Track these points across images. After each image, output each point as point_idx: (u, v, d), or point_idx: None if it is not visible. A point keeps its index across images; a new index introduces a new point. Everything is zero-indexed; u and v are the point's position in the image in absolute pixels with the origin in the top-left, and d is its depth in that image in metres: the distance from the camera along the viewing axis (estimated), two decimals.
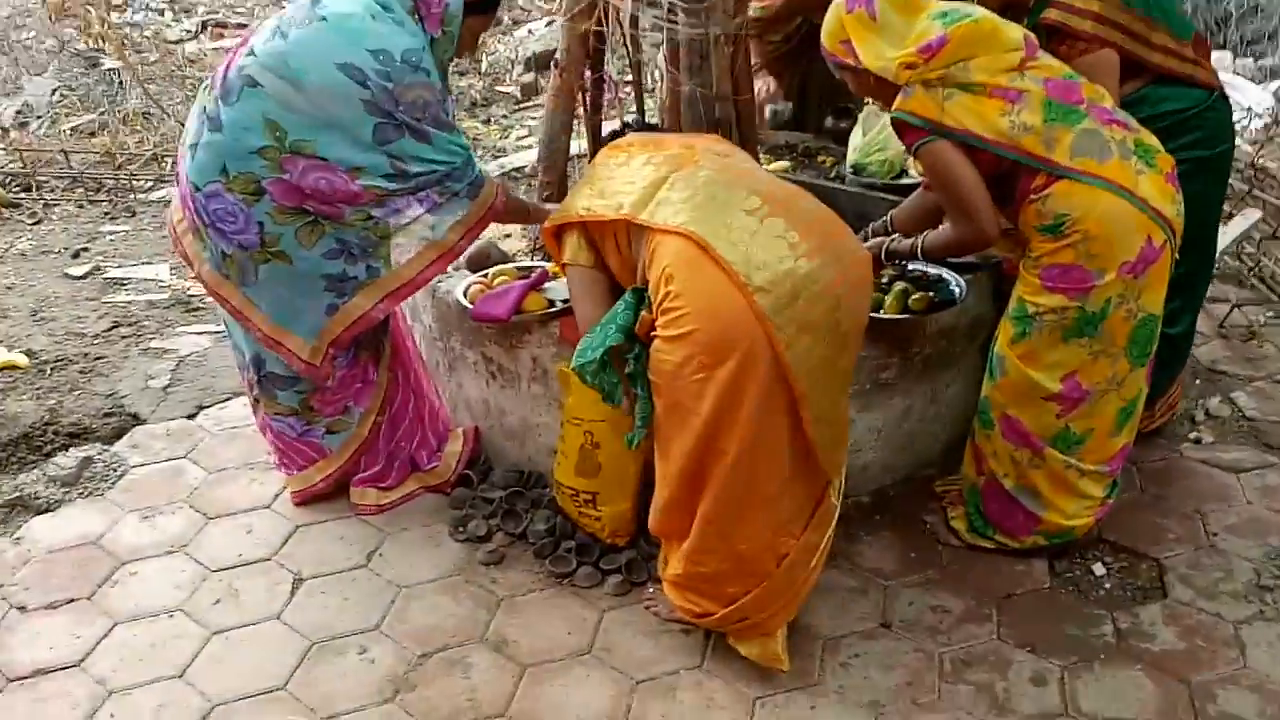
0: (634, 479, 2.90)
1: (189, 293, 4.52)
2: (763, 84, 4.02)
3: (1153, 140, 2.73)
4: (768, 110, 4.05)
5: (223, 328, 4.12)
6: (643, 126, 2.88)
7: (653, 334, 2.43)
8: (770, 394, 2.37)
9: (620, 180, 2.59)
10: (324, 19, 2.69)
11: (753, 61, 4.12)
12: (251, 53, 2.71)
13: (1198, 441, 3.42)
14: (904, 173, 3.76)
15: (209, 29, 7.90)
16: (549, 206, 2.99)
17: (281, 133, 2.67)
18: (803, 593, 2.63)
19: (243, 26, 7.96)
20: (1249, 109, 5.89)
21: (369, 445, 3.19)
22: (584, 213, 2.59)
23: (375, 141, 2.68)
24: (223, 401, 3.79)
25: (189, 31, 7.91)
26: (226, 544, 3.10)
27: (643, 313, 2.46)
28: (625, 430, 2.69)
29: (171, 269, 4.76)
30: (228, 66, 2.76)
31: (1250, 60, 7.24)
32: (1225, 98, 3.09)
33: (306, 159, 2.68)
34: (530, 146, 5.94)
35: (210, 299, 3.13)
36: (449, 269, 3.12)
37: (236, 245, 2.80)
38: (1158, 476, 3.27)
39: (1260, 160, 5.30)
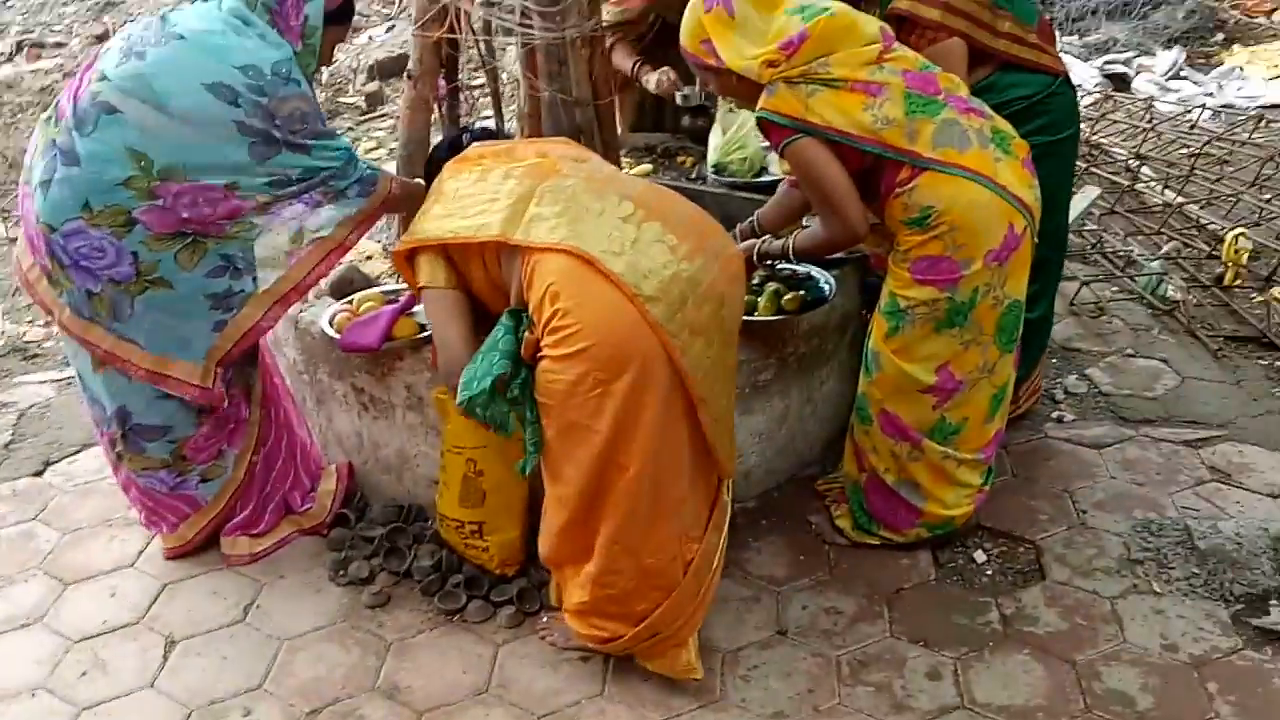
0: (521, 505, 2.84)
1: (25, 339, 4.25)
2: (662, 75, 3.99)
3: (1007, 127, 2.79)
4: (678, 97, 4.02)
5: (66, 374, 3.90)
6: (482, 134, 2.81)
7: (539, 355, 2.36)
8: (669, 402, 2.36)
9: (480, 197, 2.50)
10: (181, 37, 2.57)
11: (634, 59, 4.08)
12: (104, 77, 2.56)
13: (1060, 420, 3.53)
14: (764, 170, 3.79)
15: (25, 50, 7.44)
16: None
17: (147, 161, 2.54)
18: (708, 596, 2.61)
19: (61, 45, 7.54)
20: (1078, 86, 6.13)
21: (244, 489, 3.04)
22: (447, 236, 2.49)
23: (253, 159, 2.59)
24: (72, 455, 3.57)
25: (2, 54, 7.45)
26: (89, 610, 2.91)
27: (526, 334, 2.39)
28: (510, 455, 2.62)
29: (4, 313, 4.46)
30: (75, 94, 2.60)
31: (1075, 38, 7.55)
32: (1069, 82, 3.19)
33: (179, 183, 2.55)
34: (379, 159, 5.78)
35: (68, 344, 2.91)
36: (309, 296, 3.02)
37: (107, 280, 2.63)
38: (1026, 459, 3.36)
39: (1094, 137, 5.54)
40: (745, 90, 2.75)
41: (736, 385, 2.74)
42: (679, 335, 2.33)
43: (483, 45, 3.45)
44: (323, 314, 3.04)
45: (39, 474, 3.50)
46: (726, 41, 2.70)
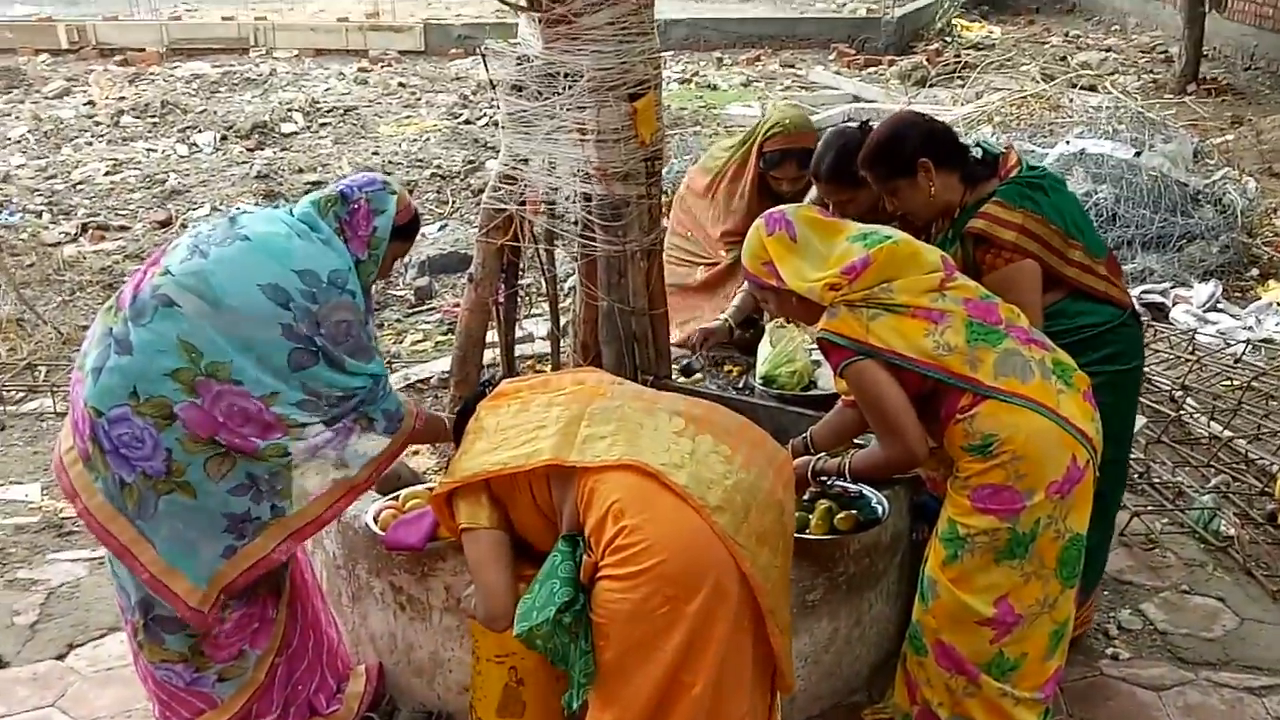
0: (560, 717, 2.72)
1: (62, 515, 4.22)
2: (693, 332, 4.09)
3: (1068, 360, 2.79)
4: (689, 358, 4.12)
5: (99, 554, 3.84)
6: (506, 376, 2.86)
7: (598, 576, 2.31)
8: (739, 615, 2.31)
9: (526, 427, 2.49)
10: (246, 238, 2.63)
11: None
12: (167, 272, 2.61)
13: (1116, 658, 3.40)
14: (813, 384, 3.79)
15: (89, 231, 7.70)
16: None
17: (197, 354, 2.55)
18: None
19: (125, 229, 7.81)
20: None
21: (264, 691, 2.92)
22: (495, 468, 2.45)
23: (290, 367, 2.59)
24: (98, 639, 3.48)
25: (68, 234, 7.70)
26: None
27: (584, 557, 2.34)
28: (551, 665, 2.51)
29: (43, 489, 4.45)
30: (137, 285, 2.64)
31: None
32: (1136, 316, 3.21)
33: (220, 383, 2.56)
34: (425, 353, 5.87)
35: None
36: None
37: (140, 473, 2.60)
38: (1082, 697, 3.22)
39: None
40: (805, 311, 2.79)
41: None
42: (747, 545, 2.31)
43: (543, 253, 3.55)
44: (368, 509, 3.00)
45: (61, 657, 3.40)
46: (788, 264, 2.75)
